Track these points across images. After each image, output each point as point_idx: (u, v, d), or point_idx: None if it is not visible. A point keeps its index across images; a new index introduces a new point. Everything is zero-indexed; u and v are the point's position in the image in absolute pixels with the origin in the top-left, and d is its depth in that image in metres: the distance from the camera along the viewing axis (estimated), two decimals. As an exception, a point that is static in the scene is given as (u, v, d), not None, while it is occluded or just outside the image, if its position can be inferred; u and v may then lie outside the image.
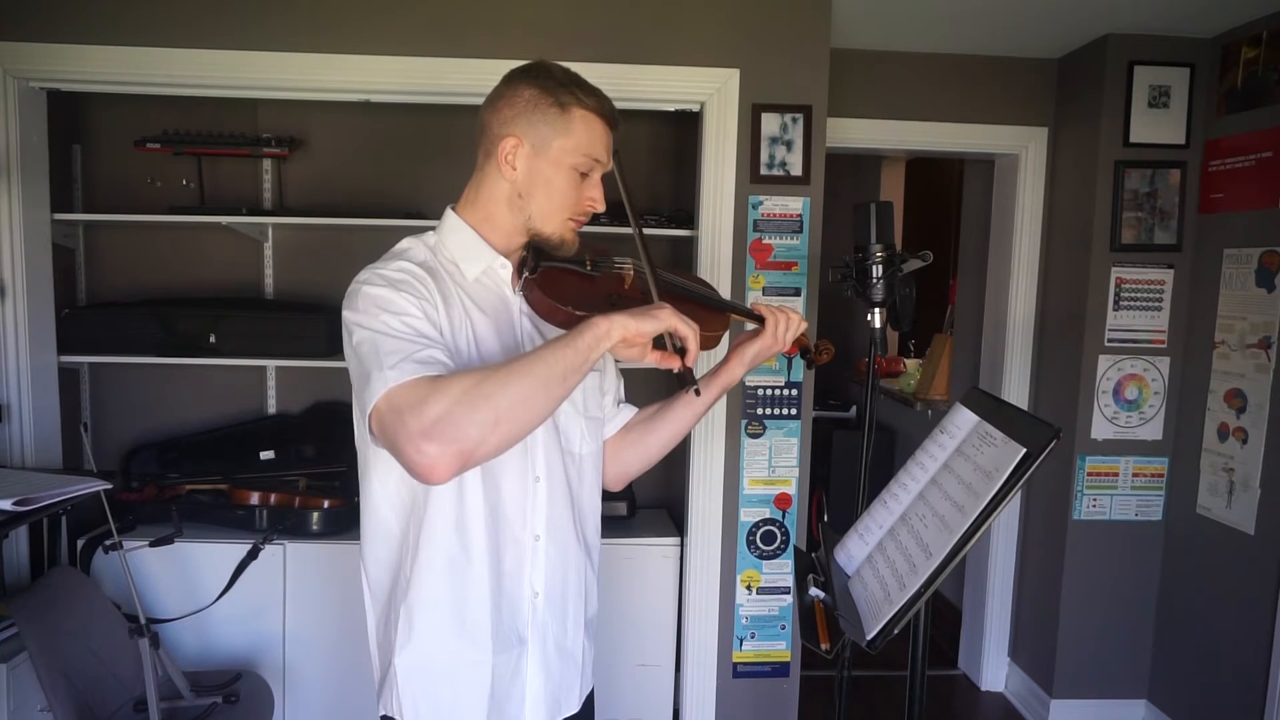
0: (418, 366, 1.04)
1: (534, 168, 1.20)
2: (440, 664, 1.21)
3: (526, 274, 1.24)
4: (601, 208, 1.26)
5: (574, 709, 1.34)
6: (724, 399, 2.52)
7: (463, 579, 1.19)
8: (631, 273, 1.33)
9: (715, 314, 1.38)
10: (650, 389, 2.40)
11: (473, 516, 1.19)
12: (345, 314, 1.13)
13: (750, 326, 1.41)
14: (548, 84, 1.19)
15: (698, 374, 1.22)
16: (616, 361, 1.46)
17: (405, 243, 1.25)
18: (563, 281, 1.25)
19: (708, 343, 1.38)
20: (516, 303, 1.26)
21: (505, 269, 1.25)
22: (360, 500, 1.25)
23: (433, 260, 1.22)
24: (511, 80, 1.22)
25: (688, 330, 1.10)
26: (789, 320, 1.36)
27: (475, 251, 1.23)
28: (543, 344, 1.08)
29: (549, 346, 1.06)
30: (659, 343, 1.12)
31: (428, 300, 1.14)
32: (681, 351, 1.11)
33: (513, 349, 1.23)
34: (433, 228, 1.27)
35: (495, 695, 1.23)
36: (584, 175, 1.22)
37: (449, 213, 1.26)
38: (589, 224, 1.31)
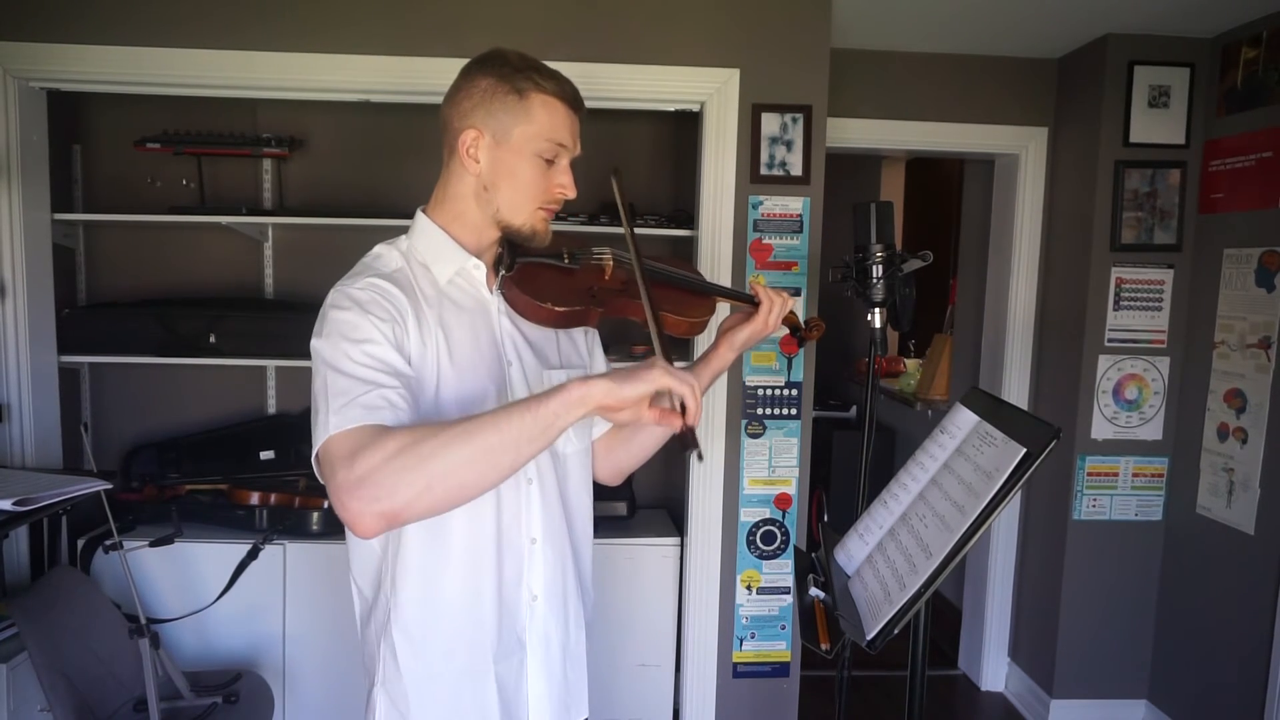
0: (362, 413, 1.00)
1: (497, 158, 1.15)
2: (446, 677, 1.18)
3: (503, 272, 1.20)
4: (572, 194, 1.20)
5: (584, 713, 1.32)
6: (723, 396, 2.53)
7: (461, 588, 1.17)
8: (611, 262, 1.28)
9: (701, 299, 1.35)
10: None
11: (469, 524, 1.16)
12: (313, 340, 1.09)
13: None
14: (504, 71, 1.14)
15: (692, 355, 1.19)
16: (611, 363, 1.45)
17: (378, 249, 1.21)
18: (541, 277, 1.21)
19: (694, 329, 1.33)
20: (495, 302, 1.22)
21: (479, 269, 1.21)
22: None
23: (405, 267, 1.18)
24: (468, 71, 1.17)
25: (685, 388, 0.98)
26: (784, 301, 1.33)
27: (446, 254, 1.19)
28: (508, 403, 1.01)
29: (510, 407, 0.98)
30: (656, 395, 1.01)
31: (396, 321, 1.09)
32: (682, 409, 1.00)
33: (491, 353, 1.20)
34: None
35: (504, 703, 1.21)
36: (550, 162, 1.18)
37: (419, 215, 1.22)
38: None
